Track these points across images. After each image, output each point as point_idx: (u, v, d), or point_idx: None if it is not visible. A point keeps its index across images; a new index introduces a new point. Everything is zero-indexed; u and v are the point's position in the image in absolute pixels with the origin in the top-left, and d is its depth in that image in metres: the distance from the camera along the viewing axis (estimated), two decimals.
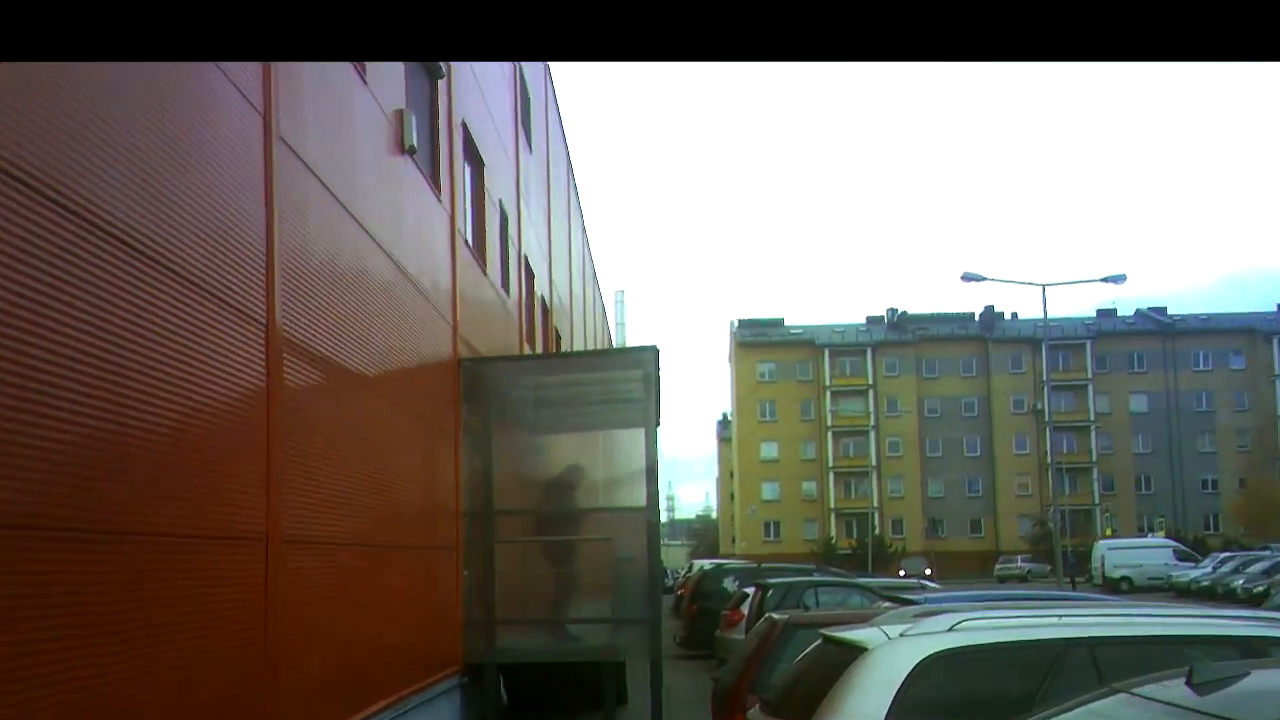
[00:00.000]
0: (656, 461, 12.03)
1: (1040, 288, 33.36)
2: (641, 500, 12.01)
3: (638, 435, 12.33)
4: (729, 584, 22.96)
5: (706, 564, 32.46)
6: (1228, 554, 56.02)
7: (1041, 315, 35.19)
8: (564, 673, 12.56)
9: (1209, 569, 52.38)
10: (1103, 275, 33.11)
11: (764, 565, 24.23)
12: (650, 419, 12.04)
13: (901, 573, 45.05)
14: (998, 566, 78.21)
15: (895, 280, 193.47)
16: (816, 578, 19.99)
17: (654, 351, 11.97)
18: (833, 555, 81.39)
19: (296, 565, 6.51)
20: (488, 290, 14.76)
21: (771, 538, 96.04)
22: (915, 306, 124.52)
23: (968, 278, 33.19)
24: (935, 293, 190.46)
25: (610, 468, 12.99)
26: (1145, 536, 73.66)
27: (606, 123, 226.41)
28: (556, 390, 12.81)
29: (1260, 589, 45.70)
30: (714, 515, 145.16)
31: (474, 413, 12.17)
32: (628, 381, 12.65)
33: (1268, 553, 55.27)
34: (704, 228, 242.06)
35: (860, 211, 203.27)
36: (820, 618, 9.02)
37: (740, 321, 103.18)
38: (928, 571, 43.11)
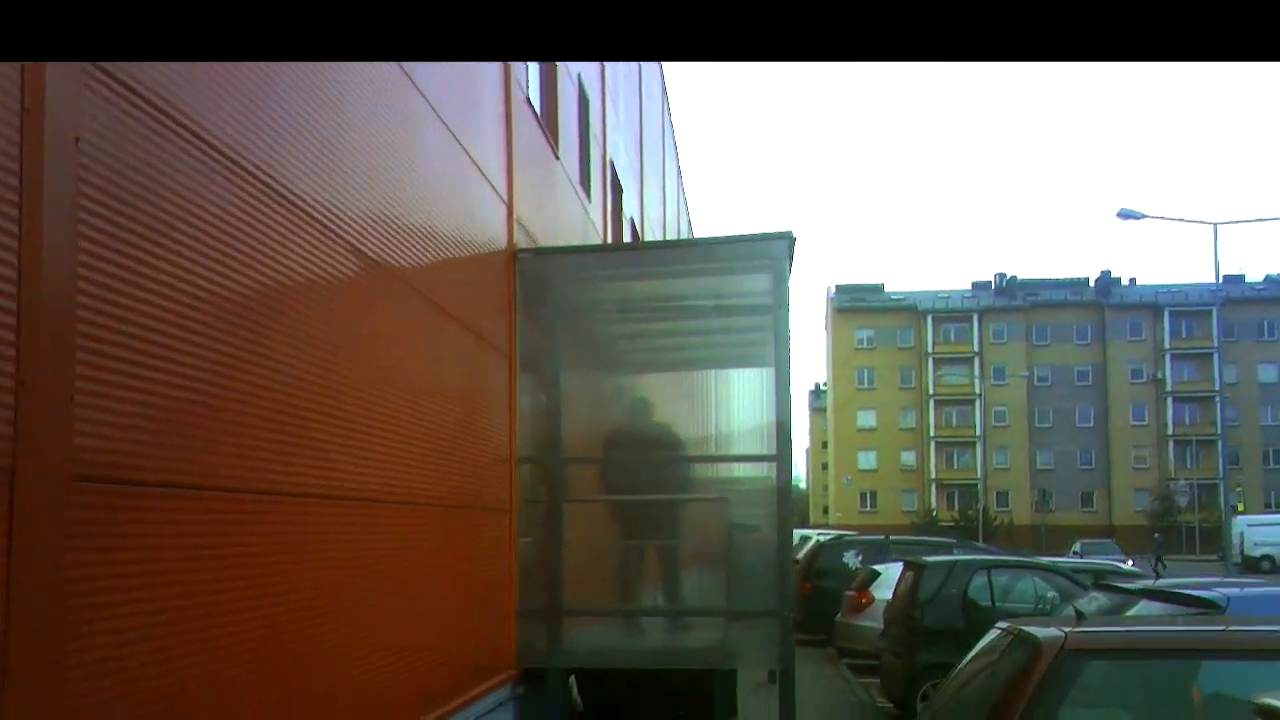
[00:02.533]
0: (789, 397, 8.64)
1: (1211, 226, 28.91)
2: (768, 448, 8.62)
3: (760, 362, 8.94)
4: (850, 559, 19.35)
5: (819, 535, 28.65)
6: None
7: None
8: (658, 673, 9.25)
9: None
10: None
11: (892, 537, 20.47)
12: (780, 340, 8.60)
13: (1076, 553, 38.30)
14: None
15: (1003, 246, 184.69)
16: (982, 555, 16.29)
17: (787, 241, 8.54)
18: (934, 527, 77.80)
19: (143, 525, 3.27)
20: (561, 180, 11.46)
21: (867, 508, 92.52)
22: (1025, 272, 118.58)
23: (1124, 215, 28.97)
24: (1047, 258, 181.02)
25: (721, 408, 9.53)
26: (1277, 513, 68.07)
27: (700, 70, 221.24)
28: (649, 302, 9.38)
29: None
30: (803, 486, 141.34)
31: (536, 326, 8.89)
32: (747, 294, 9.26)
33: None
34: (804, 190, 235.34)
35: (966, 173, 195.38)
36: (1134, 641, 5.31)
37: (838, 287, 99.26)
38: (1130, 562, 31.22)
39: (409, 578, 6.20)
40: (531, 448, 8.82)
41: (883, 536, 20.42)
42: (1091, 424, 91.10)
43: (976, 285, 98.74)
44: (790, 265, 8.64)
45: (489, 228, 8.25)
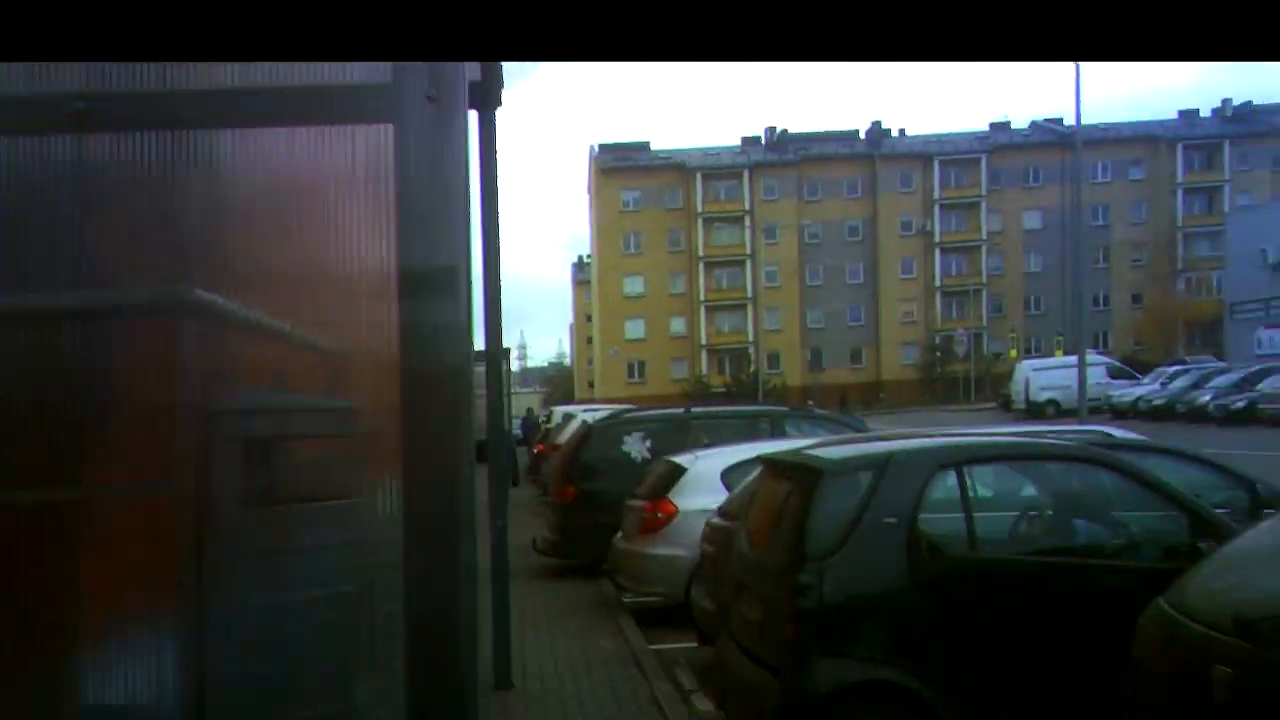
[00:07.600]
0: None
1: None
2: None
3: None
4: (635, 447, 13.09)
5: (586, 413, 21.95)
6: (1177, 368, 49.52)
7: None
8: None
9: (1157, 386, 45.89)
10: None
11: (693, 410, 14.22)
12: None
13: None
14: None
15: (773, 100, 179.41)
16: (973, 436, 8.63)
17: None
18: (706, 394, 74.17)
19: None
20: None
21: (636, 379, 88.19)
22: (796, 126, 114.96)
23: None
24: (818, 112, 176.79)
25: None
26: (1057, 356, 67.41)
27: None
28: None
29: (1240, 405, 39.02)
30: (568, 362, 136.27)
31: None
32: None
33: (1204, 365, 49.40)
34: None
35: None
36: None
37: (600, 146, 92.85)
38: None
39: None
40: None
41: (682, 410, 14.06)
42: (862, 280, 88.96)
43: (746, 141, 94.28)
44: None
45: None
